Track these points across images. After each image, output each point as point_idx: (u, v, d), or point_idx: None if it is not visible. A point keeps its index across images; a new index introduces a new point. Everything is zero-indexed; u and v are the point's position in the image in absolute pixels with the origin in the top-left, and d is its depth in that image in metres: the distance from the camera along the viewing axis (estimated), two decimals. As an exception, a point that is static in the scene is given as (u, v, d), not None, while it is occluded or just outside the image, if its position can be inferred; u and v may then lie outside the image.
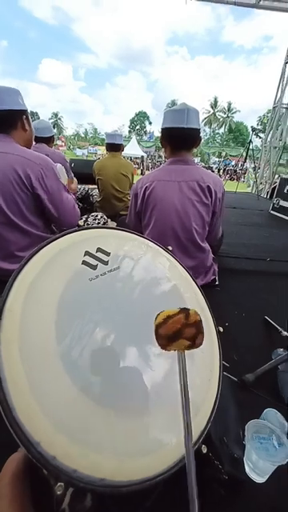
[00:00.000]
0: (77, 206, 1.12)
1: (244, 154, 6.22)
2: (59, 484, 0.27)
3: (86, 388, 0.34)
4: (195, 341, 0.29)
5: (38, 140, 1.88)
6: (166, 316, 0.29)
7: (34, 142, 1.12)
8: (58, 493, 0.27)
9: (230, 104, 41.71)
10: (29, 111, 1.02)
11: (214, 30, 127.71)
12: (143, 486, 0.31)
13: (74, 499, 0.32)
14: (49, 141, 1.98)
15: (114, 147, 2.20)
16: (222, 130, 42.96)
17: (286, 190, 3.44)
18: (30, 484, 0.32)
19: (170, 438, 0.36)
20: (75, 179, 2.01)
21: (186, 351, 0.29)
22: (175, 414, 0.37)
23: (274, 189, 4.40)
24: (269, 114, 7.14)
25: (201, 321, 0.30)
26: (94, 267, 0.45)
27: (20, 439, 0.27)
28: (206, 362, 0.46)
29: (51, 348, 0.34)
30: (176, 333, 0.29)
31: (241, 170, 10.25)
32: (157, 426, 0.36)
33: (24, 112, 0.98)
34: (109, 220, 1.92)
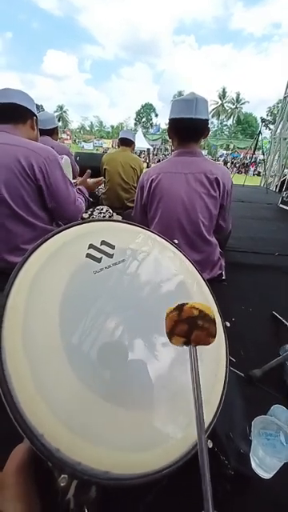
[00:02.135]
0: (80, 202, 1.10)
1: (253, 147, 6.06)
2: (63, 476, 0.27)
3: (90, 381, 0.33)
4: (190, 337, 0.28)
5: (41, 133, 1.85)
6: (166, 313, 0.29)
7: None
8: (62, 485, 0.27)
9: (238, 94, 40.61)
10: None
11: (223, 17, 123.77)
12: (148, 479, 0.31)
13: (78, 490, 0.32)
14: (52, 133, 1.91)
15: (126, 142, 2.29)
16: (230, 122, 41.93)
17: (296, 183, 3.36)
18: (35, 474, 0.32)
19: (175, 432, 0.35)
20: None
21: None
22: (181, 408, 0.37)
23: (283, 182, 4.30)
24: (279, 105, 6.91)
25: (198, 316, 0.28)
26: (99, 260, 0.45)
27: (23, 431, 0.27)
28: (212, 356, 0.45)
29: (55, 341, 0.34)
30: (171, 329, 0.29)
31: (249, 162, 10.01)
32: (162, 419, 0.36)
33: (34, 115, 1.02)
34: (114, 213, 1.91)
